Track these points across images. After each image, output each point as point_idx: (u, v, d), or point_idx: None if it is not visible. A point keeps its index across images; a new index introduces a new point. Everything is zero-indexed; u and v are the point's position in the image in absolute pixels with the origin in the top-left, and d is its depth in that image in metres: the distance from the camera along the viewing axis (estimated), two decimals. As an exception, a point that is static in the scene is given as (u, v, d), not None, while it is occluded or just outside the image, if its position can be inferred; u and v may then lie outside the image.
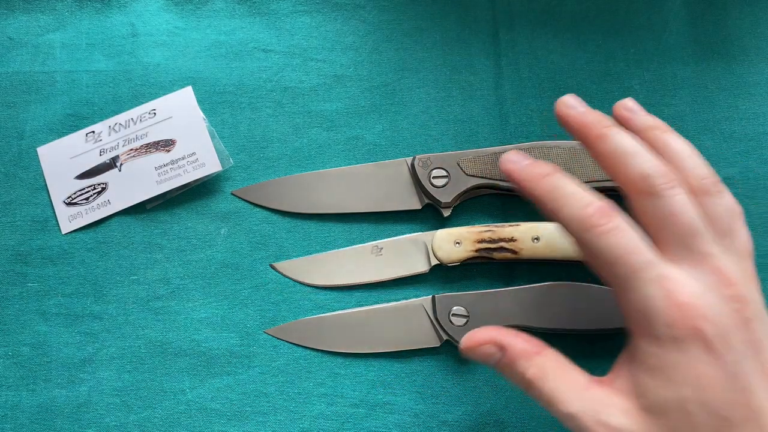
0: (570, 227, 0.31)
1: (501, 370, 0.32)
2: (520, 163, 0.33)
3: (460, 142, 0.46)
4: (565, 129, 0.34)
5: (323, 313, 0.42)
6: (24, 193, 0.45)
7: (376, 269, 0.43)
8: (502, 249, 0.41)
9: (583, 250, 0.31)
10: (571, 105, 0.34)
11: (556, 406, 0.30)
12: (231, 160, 0.45)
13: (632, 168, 0.31)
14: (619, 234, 0.29)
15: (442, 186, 0.43)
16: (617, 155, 0.31)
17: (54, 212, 0.44)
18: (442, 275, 0.43)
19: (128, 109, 0.46)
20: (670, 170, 0.31)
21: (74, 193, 0.44)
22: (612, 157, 0.32)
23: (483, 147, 0.45)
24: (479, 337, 0.33)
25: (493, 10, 0.49)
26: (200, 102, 0.46)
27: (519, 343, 0.32)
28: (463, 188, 0.43)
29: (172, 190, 0.44)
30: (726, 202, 0.32)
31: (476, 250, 0.42)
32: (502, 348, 0.32)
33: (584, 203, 0.30)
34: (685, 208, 0.30)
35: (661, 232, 0.30)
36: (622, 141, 0.32)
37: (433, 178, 0.43)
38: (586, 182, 0.42)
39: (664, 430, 0.28)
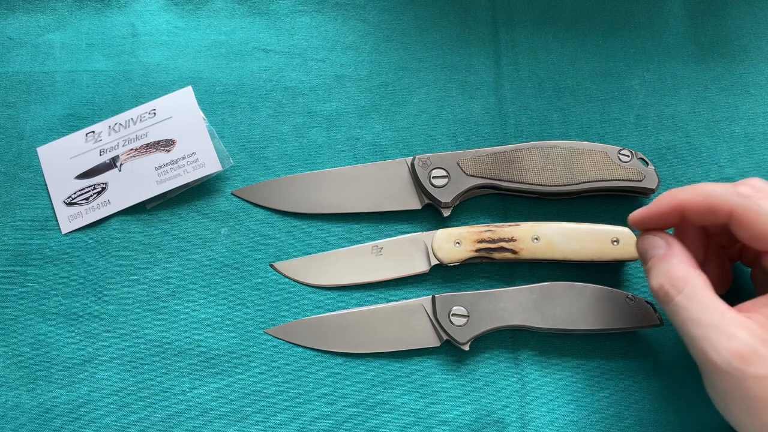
0: (725, 198, 0.33)
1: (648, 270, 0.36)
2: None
3: (460, 142, 0.46)
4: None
5: (323, 313, 0.42)
6: (24, 193, 0.45)
7: (376, 269, 0.43)
8: (502, 249, 0.41)
9: (740, 215, 0.33)
10: None
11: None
12: (231, 160, 0.45)
13: None
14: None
15: (442, 186, 0.43)
16: None
17: (54, 212, 0.44)
18: (442, 275, 0.43)
19: (128, 109, 0.46)
20: None
21: (74, 193, 0.44)
22: None
23: (483, 147, 0.45)
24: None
25: (493, 10, 0.49)
26: (200, 102, 0.46)
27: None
28: (463, 188, 0.43)
29: (172, 190, 0.44)
30: None
31: (476, 250, 0.42)
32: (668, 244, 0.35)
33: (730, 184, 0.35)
34: None
35: None
36: None
37: (433, 178, 0.43)
38: (585, 182, 0.42)
39: None
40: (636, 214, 0.37)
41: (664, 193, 0.36)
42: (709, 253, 0.38)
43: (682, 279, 0.33)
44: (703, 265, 0.38)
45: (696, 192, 0.34)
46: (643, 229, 0.37)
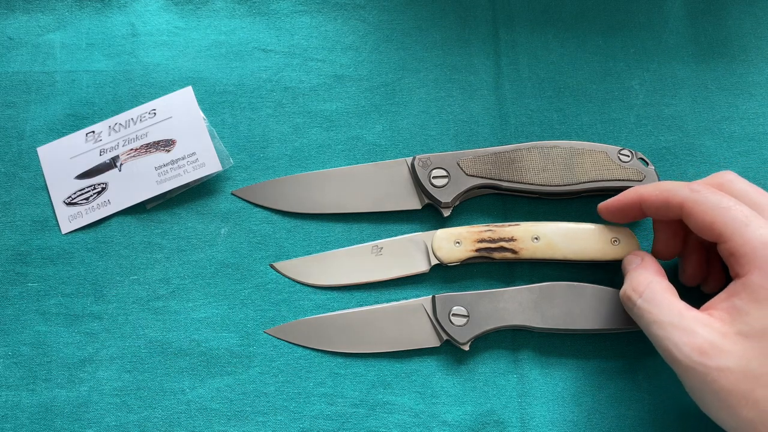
0: (674, 197, 0.35)
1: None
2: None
3: (460, 142, 0.46)
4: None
5: (323, 313, 0.42)
6: (24, 193, 0.45)
7: (376, 269, 0.43)
8: (502, 249, 0.41)
9: (690, 207, 0.35)
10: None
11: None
12: (231, 160, 0.45)
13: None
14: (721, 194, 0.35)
15: (442, 186, 0.43)
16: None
17: (54, 212, 0.44)
18: (442, 275, 0.43)
19: (128, 109, 0.46)
20: None
21: (74, 193, 0.44)
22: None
23: (483, 147, 0.45)
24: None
25: (493, 10, 0.49)
26: (200, 102, 0.46)
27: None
28: (463, 188, 0.43)
29: (172, 190, 0.44)
30: None
31: (476, 250, 0.42)
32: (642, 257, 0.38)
33: (676, 182, 0.36)
34: None
35: None
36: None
37: (433, 178, 0.43)
38: (585, 182, 0.42)
39: (758, 351, 0.30)
40: (603, 204, 0.40)
41: (630, 188, 0.39)
42: (689, 248, 0.40)
43: (641, 284, 0.36)
44: (684, 259, 0.40)
45: (654, 187, 0.37)
46: (609, 219, 0.40)
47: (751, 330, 0.31)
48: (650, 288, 0.35)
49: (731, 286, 0.33)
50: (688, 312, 0.33)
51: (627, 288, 0.37)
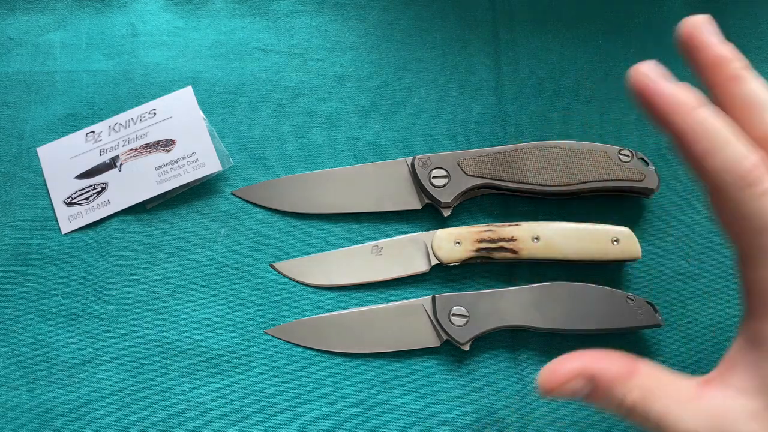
0: (719, 178, 0.25)
1: (593, 402, 0.27)
2: (658, 84, 0.27)
3: (460, 142, 0.46)
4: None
5: (323, 313, 0.42)
6: (24, 193, 0.45)
7: (376, 269, 0.43)
8: (502, 249, 0.41)
9: (725, 206, 0.25)
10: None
11: (671, 429, 0.25)
12: (231, 160, 0.45)
13: None
14: None
15: (442, 186, 0.43)
16: (755, 104, 0.28)
17: (54, 212, 0.44)
18: (442, 275, 0.43)
19: (128, 109, 0.46)
20: None
21: (74, 193, 0.44)
22: (748, 106, 0.27)
23: (483, 147, 0.45)
24: (563, 373, 0.26)
25: (493, 10, 0.49)
26: (200, 102, 0.46)
27: (611, 366, 0.26)
28: (463, 188, 0.43)
29: (172, 190, 0.44)
30: None
31: (476, 250, 0.42)
32: (591, 378, 0.26)
33: (742, 154, 0.25)
34: None
35: None
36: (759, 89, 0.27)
37: (433, 178, 0.43)
38: (585, 182, 0.42)
39: None
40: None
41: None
42: None
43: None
44: None
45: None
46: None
47: None
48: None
49: (750, 335, 0.26)
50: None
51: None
